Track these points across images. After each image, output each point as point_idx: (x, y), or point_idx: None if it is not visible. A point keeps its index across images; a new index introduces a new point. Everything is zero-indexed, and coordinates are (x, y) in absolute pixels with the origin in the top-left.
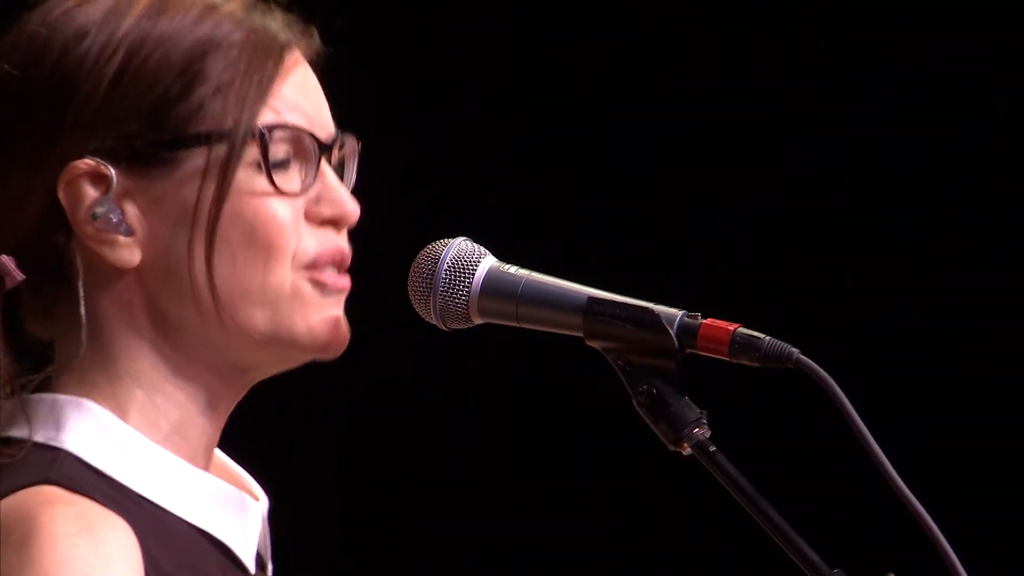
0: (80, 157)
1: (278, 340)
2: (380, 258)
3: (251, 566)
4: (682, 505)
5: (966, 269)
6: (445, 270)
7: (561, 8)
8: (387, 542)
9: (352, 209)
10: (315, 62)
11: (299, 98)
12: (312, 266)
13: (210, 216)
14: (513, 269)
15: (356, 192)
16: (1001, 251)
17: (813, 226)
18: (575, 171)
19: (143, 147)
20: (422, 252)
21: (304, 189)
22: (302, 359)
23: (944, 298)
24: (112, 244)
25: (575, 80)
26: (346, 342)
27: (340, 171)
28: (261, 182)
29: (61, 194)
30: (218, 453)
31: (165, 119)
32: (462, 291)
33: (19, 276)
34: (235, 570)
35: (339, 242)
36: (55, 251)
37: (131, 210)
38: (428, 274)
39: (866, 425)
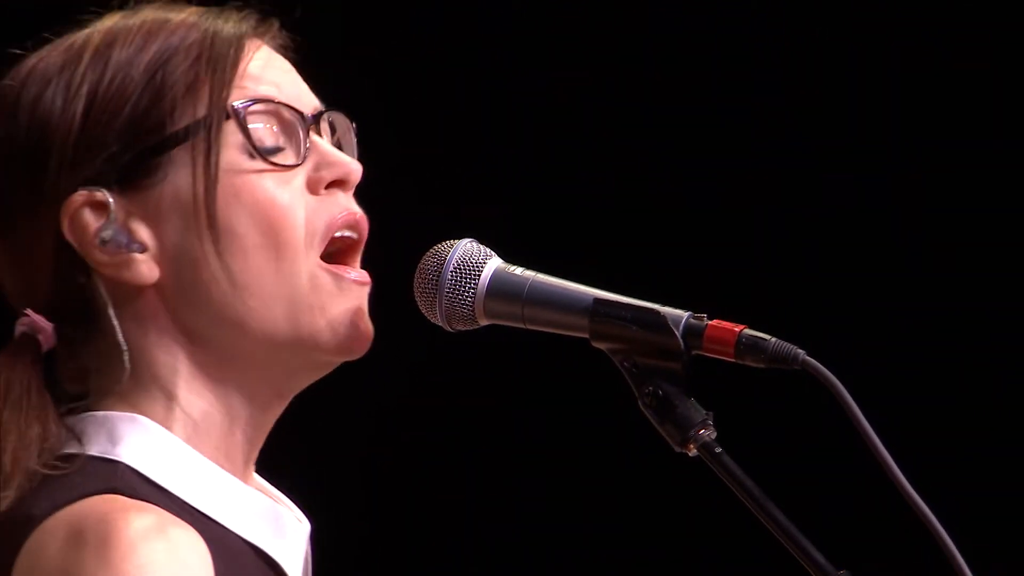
0: (73, 192)
1: (300, 341)
2: (384, 259)
3: None
4: (688, 506)
5: (972, 270)
6: (451, 271)
7: (567, 6)
8: (403, 551)
9: (355, 167)
10: (287, 53)
11: (269, 75)
12: (327, 237)
13: (206, 203)
14: (519, 270)
15: (361, 189)
16: (1006, 252)
17: (818, 227)
18: (581, 172)
19: (128, 162)
20: (428, 253)
21: (299, 161)
22: (328, 361)
23: (950, 299)
24: (128, 264)
25: (580, 82)
26: (370, 339)
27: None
28: (253, 162)
29: (66, 231)
30: (258, 479)
31: (142, 130)
32: (468, 292)
33: (46, 327)
34: None
35: (349, 205)
36: (78, 293)
37: (137, 227)
38: (434, 275)
39: (872, 426)
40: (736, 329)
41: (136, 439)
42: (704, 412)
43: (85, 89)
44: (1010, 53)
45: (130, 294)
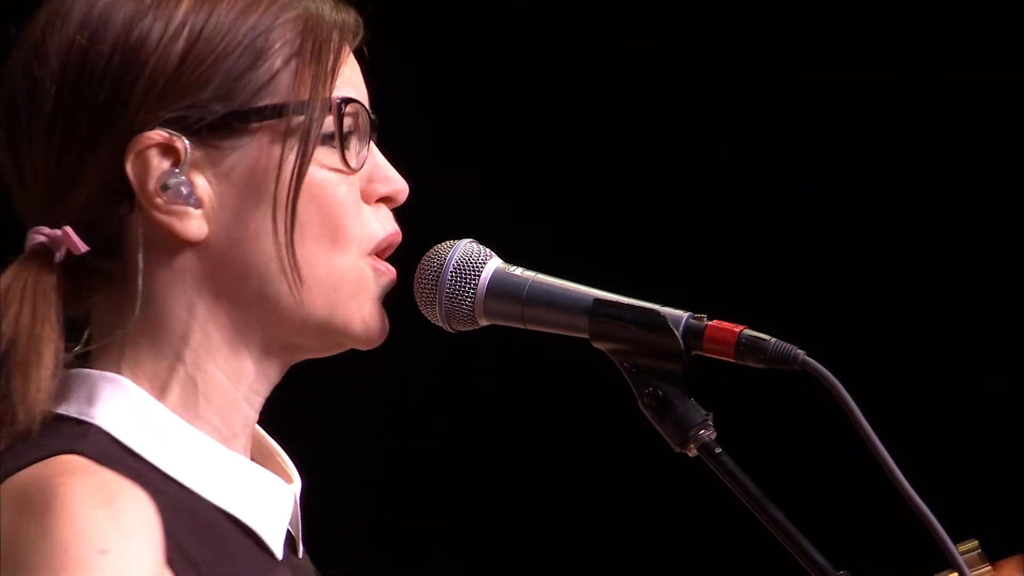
0: (149, 129)
1: (332, 326)
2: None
3: (278, 550)
4: (687, 506)
5: (971, 271)
6: (451, 272)
7: (563, 4)
8: (400, 536)
9: (404, 186)
10: (359, 53)
11: (353, 76)
12: (377, 250)
13: (290, 188)
14: (519, 271)
15: None
16: (1007, 252)
17: (819, 227)
18: (580, 172)
19: (215, 118)
20: (428, 254)
21: (359, 167)
22: (346, 347)
23: (950, 300)
24: (181, 216)
25: (579, 82)
26: (386, 335)
27: None
28: (329, 157)
29: (128, 166)
30: (258, 430)
31: (237, 90)
32: (468, 293)
33: (82, 247)
34: (261, 554)
35: (394, 224)
36: (113, 224)
37: (200, 182)
38: (434, 276)
39: (872, 426)
40: (736, 329)
41: (115, 402)
42: (704, 412)
43: (187, 31)
44: (1009, 54)
45: (168, 244)
